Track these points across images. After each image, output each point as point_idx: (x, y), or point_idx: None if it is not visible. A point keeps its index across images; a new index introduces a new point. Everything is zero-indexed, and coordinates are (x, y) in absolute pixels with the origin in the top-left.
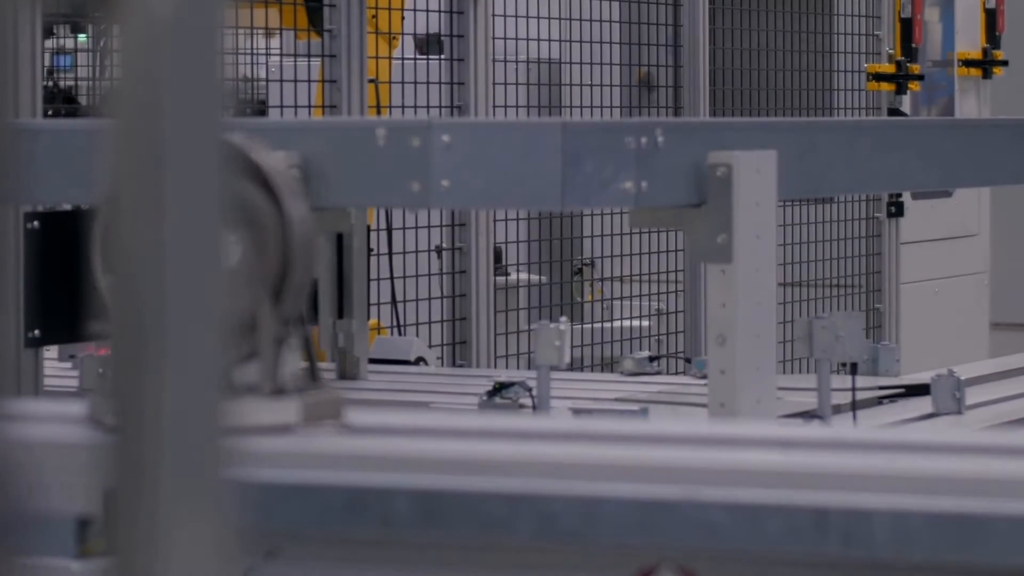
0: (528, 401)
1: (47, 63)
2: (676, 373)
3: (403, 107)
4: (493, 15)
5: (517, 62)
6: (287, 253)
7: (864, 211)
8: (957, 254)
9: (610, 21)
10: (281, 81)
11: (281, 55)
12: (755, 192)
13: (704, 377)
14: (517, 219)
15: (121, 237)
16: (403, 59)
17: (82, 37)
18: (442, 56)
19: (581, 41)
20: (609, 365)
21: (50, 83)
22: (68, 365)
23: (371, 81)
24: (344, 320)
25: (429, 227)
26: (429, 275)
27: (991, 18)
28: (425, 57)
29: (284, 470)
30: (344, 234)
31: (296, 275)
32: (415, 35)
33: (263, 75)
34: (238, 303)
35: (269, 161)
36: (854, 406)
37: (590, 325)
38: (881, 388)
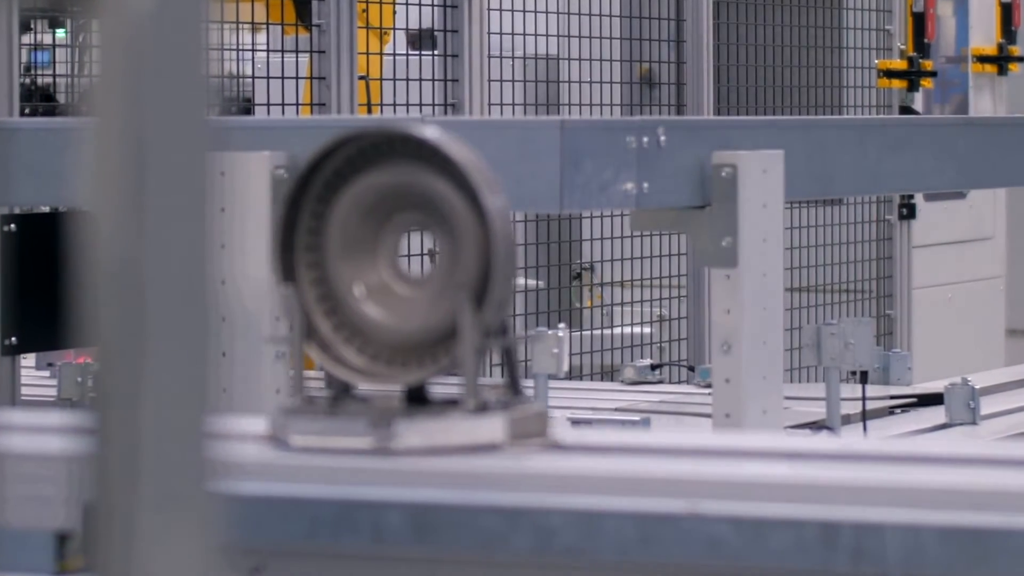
0: None
1: (24, 59)
2: (679, 382)
3: (395, 105)
4: (488, 9)
5: (513, 58)
6: (487, 255)
7: (875, 213)
8: (971, 258)
9: (610, 16)
10: (268, 78)
11: (268, 51)
12: (761, 194)
13: (708, 386)
14: (513, 221)
15: (101, 241)
16: (395, 55)
17: (60, 32)
18: (435, 52)
19: (580, 36)
20: (609, 374)
21: (27, 80)
22: (46, 374)
23: (361, 78)
24: None
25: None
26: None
27: (1007, 12)
28: (418, 53)
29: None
30: None
31: (498, 279)
32: (407, 30)
33: (249, 72)
34: (437, 311)
35: (464, 154)
36: (864, 416)
37: (589, 332)
38: (892, 397)
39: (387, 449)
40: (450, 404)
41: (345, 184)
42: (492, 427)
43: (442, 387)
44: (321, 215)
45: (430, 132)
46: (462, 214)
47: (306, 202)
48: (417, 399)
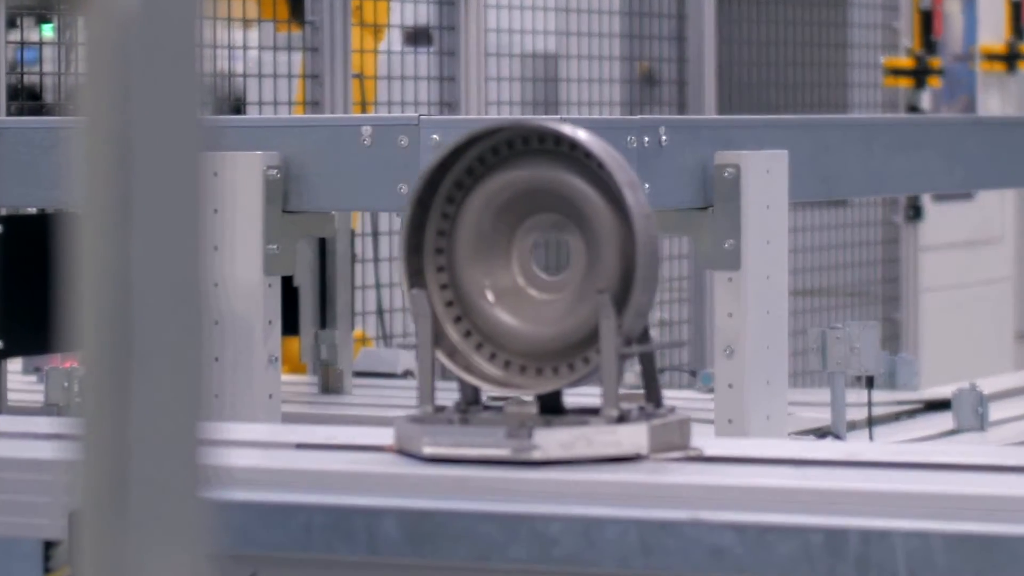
0: None
1: (10, 57)
2: (681, 387)
3: (390, 104)
4: (485, 6)
5: (511, 56)
6: (630, 257)
7: (881, 215)
8: (979, 260)
9: (610, 12)
10: (260, 76)
11: (260, 48)
12: (765, 195)
13: (711, 391)
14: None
15: (90, 244)
16: (390, 53)
17: (47, 29)
18: (431, 49)
19: (579, 34)
20: None
21: (14, 78)
22: (33, 378)
23: (356, 76)
24: (327, 331)
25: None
26: None
27: (1016, 9)
28: (412, 50)
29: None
30: (327, 239)
31: (640, 283)
32: (403, 27)
33: (240, 70)
34: (574, 317)
35: (606, 150)
36: (870, 422)
37: None
38: (899, 403)
39: (526, 460)
40: (589, 413)
41: (477, 183)
42: (635, 437)
43: (585, 395)
44: (451, 216)
45: (569, 128)
46: (603, 213)
47: (435, 202)
48: (552, 407)
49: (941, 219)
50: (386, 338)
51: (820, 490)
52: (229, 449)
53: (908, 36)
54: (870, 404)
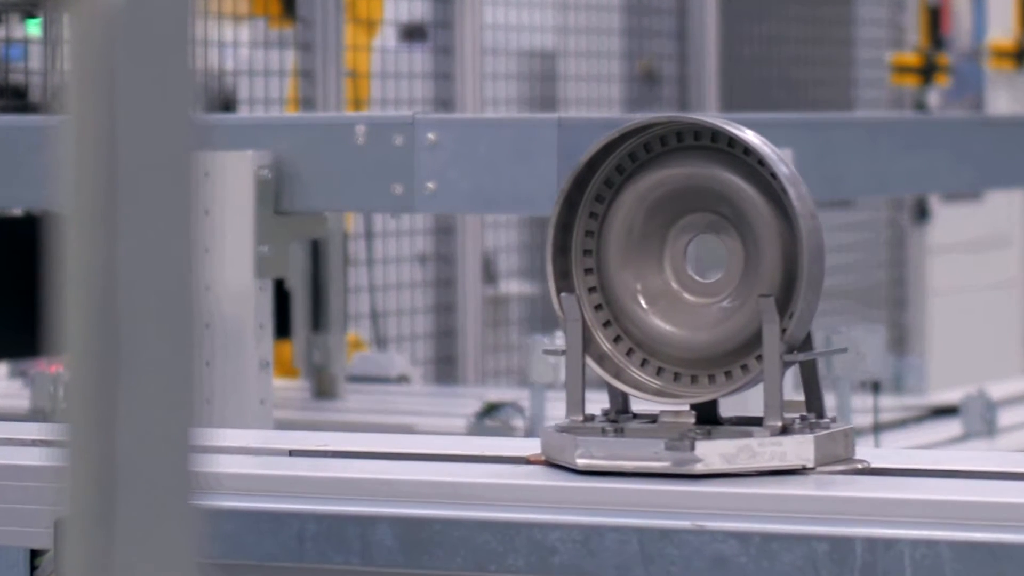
0: (520, 423)
1: None
2: None
3: (384, 102)
4: (482, 2)
5: (508, 53)
6: (793, 259)
7: (887, 216)
8: (988, 263)
9: (609, 8)
10: (251, 74)
11: (251, 45)
12: None
13: None
14: (508, 225)
15: (76, 246)
16: (384, 50)
17: (33, 26)
18: (426, 46)
19: (578, 30)
20: None
21: None
22: (19, 383)
23: (349, 74)
24: (320, 334)
25: (412, 233)
26: (412, 286)
27: None
28: (407, 44)
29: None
30: (320, 241)
31: (804, 286)
32: (397, 23)
33: (231, 67)
34: (731, 322)
35: (766, 147)
36: (876, 428)
37: None
38: (905, 408)
39: (687, 473)
40: (750, 424)
41: (627, 181)
42: (801, 449)
43: (744, 406)
44: (600, 216)
45: (727, 123)
46: (763, 212)
47: (584, 201)
48: (708, 417)
49: (948, 220)
50: (380, 342)
51: (831, 498)
52: (219, 455)
53: (915, 33)
54: (876, 410)
